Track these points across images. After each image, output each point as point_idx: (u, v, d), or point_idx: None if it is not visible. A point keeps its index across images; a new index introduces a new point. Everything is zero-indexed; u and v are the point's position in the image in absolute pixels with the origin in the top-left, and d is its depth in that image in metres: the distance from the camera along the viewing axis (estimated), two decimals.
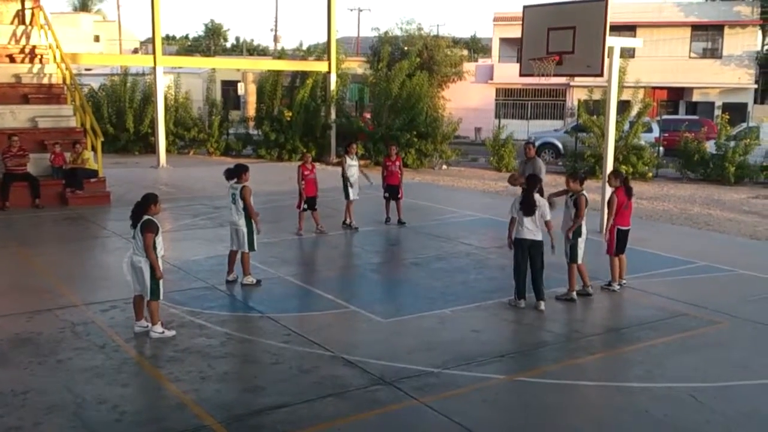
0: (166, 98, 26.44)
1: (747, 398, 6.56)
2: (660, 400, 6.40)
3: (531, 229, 8.72)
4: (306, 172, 12.86)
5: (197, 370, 6.97)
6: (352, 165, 13.71)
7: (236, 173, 9.63)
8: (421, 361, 7.15)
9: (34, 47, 19.06)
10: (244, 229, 9.54)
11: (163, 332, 7.67)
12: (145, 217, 7.56)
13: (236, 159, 25.80)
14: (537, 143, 26.85)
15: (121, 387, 6.48)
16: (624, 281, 9.88)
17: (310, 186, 12.89)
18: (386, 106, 25.64)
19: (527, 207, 8.66)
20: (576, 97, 34.81)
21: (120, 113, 27.77)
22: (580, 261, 9.24)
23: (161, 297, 7.72)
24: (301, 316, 8.70)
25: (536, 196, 8.79)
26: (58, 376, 6.69)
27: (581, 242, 9.22)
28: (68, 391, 6.35)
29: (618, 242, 9.65)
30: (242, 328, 8.22)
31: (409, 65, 26.52)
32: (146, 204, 7.61)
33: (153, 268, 7.53)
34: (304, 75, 27.58)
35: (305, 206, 12.97)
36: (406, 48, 30.64)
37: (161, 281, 7.63)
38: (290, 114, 26.26)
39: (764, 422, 6.11)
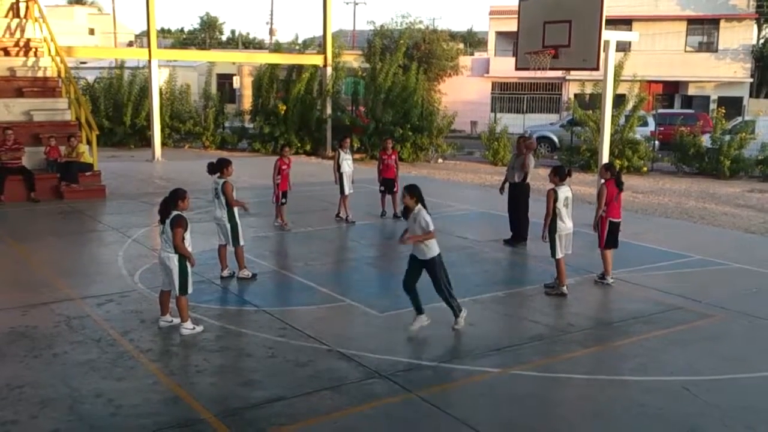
0: (161, 91, 26.40)
1: (741, 391, 6.60)
2: (654, 393, 6.42)
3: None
4: (284, 167, 12.88)
5: (193, 363, 6.98)
6: (347, 159, 13.72)
7: (219, 168, 9.60)
8: (416, 354, 7.17)
9: (28, 40, 18.98)
10: (228, 225, 9.53)
11: (193, 328, 7.66)
12: (174, 212, 7.53)
13: (231, 153, 25.82)
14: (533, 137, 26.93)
15: (116, 381, 6.48)
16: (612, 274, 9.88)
17: (286, 180, 12.89)
18: (380, 99, 25.63)
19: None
20: (572, 90, 34.85)
21: (116, 107, 27.70)
22: (558, 256, 9.22)
23: (189, 292, 7.71)
24: (297, 310, 8.71)
25: (417, 208, 7.65)
26: (53, 370, 6.69)
27: (557, 237, 9.19)
28: (64, 385, 6.35)
29: (610, 235, 9.64)
30: (238, 321, 8.22)
31: (397, 58, 26.52)
32: (174, 200, 7.57)
33: (182, 264, 7.53)
34: (300, 68, 27.55)
35: (284, 200, 12.99)
36: (401, 41, 30.63)
37: (190, 278, 7.64)
38: (284, 107, 26.23)
39: (759, 415, 6.13)
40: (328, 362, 6.98)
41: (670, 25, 38.35)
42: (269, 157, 25.35)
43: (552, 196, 9.13)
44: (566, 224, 9.22)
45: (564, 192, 9.22)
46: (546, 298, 9.21)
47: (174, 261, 7.53)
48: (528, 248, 11.85)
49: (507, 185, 12.16)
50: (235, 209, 9.55)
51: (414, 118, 24.86)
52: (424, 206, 7.66)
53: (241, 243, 9.66)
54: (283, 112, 26.22)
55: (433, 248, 7.69)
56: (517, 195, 12.02)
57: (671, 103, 38.71)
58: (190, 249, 7.63)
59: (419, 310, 7.80)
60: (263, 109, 27.20)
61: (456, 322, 7.87)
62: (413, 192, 7.61)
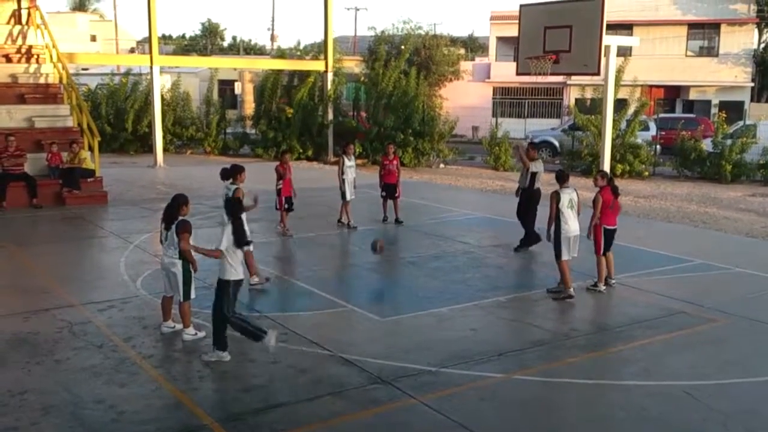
0: (164, 98, 26.44)
1: (744, 396, 6.59)
2: (656, 397, 6.41)
3: (241, 265, 7.29)
4: (282, 171, 12.82)
5: (195, 369, 6.98)
6: (350, 166, 13.69)
7: (232, 174, 9.60)
8: (418, 359, 7.16)
9: (30, 47, 19.03)
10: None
11: (195, 334, 7.65)
12: (179, 218, 7.52)
13: (233, 158, 25.81)
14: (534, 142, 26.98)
15: (119, 387, 6.49)
16: (613, 280, 9.87)
17: (288, 186, 12.84)
18: (381, 104, 25.66)
19: (243, 238, 7.18)
20: (573, 95, 34.83)
21: (118, 113, 27.77)
22: (564, 258, 9.23)
23: (192, 297, 7.72)
24: (299, 315, 8.70)
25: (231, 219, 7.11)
26: (55, 376, 6.69)
27: (562, 239, 9.22)
28: (66, 391, 6.35)
29: (604, 241, 9.63)
30: None
31: (399, 64, 26.57)
32: (178, 205, 7.55)
33: (186, 270, 7.53)
34: (302, 74, 27.60)
35: (286, 206, 12.92)
36: (402, 47, 30.67)
37: (193, 284, 7.65)
38: (291, 111, 26.25)
39: (761, 420, 6.13)
40: (329, 368, 6.98)
41: (670, 30, 38.34)
42: (272, 162, 25.38)
43: (554, 198, 9.21)
44: (571, 227, 9.25)
45: (567, 194, 9.27)
46: (548, 302, 9.21)
47: (178, 266, 7.53)
48: (530, 253, 11.85)
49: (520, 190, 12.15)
50: (244, 216, 9.50)
51: (415, 124, 24.88)
52: (236, 222, 7.11)
53: (250, 249, 9.60)
54: (291, 114, 26.25)
55: (231, 270, 7.04)
56: (525, 200, 12.00)
57: (672, 108, 38.67)
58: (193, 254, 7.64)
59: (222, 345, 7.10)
60: (266, 114, 27.23)
61: (208, 355, 7.13)
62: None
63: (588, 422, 6.11)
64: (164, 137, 25.40)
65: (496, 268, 11.08)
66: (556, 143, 28.05)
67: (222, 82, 40.25)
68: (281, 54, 31.48)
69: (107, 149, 25.07)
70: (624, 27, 34.97)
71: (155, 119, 23.64)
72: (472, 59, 48.14)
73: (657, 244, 12.71)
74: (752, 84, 39.28)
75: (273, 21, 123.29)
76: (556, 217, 9.23)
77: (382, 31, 42.81)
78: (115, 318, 8.32)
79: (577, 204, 9.38)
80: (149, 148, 24.90)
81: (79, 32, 55.10)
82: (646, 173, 23.24)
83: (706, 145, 23.24)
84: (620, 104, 22.74)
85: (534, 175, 11.88)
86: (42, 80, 18.58)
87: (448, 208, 16.11)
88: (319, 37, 33.32)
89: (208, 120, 28.48)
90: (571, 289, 9.25)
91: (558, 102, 40.21)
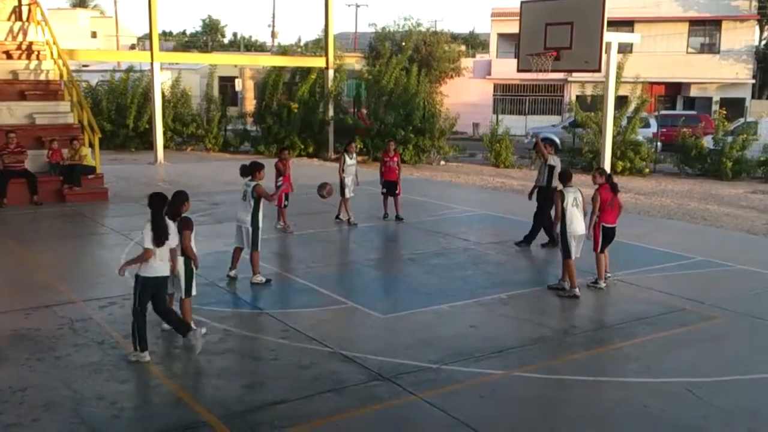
0: (164, 94, 26.42)
1: (744, 393, 6.59)
2: (657, 394, 6.41)
3: (165, 262, 7.10)
4: (282, 168, 12.83)
5: (196, 366, 6.98)
6: (351, 164, 13.69)
7: (251, 171, 9.60)
8: (419, 356, 7.16)
9: (31, 43, 19.02)
10: (250, 228, 9.48)
11: (195, 330, 7.65)
12: (181, 215, 7.50)
13: (234, 155, 25.85)
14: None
15: (119, 383, 6.49)
16: (609, 274, 9.87)
17: (287, 182, 12.84)
18: (382, 101, 25.65)
19: (161, 234, 6.99)
20: (574, 92, 34.81)
21: (119, 109, 27.77)
22: (571, 257, 9.24)
23: (193, 294, 7.69)
24: (300, 312, 8.70)
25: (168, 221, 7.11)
26: (56, 373, 6.69)
27: (569, 237, 9.22)
28: (67, 388, 6.35)
29: (604, 239, 9.63)
30: (241, 324, 8.22)
31: (401, 60, 26.55)
32: (180, 202, 7.52)
33: (187, 267, 7.52)
34: (303, 71, 27.58)
35: (286, 203, 12.94)
36: (403, 44, 30.69)
37: (194, 280, 7.63)
38: (296, 106, 26.23)
39: (762, 417, 6.12)
40: (330, 364, 6.98)
41: (672, 27, 38.31)
42: (272, 159, 25.36)
43: (559, 197, 9.25)
44: (576, 226, 9.26)
45: (572, 193, 9.29)
46: (549, 299, 9.21)
47: (180, 263, 7.53)
48: (531, 251, 11.85)
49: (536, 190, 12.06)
50: (260, 215, 9.51)
51: (416, 120, 24.87)
52: (155, 218, 7.04)
53: (258, 249, 9.60)
54: (296, 110, 26.24)
55: (145, 267, 6.99)
56: (540, 199, 11.92)
57: (673, 105, 38.68)
58: (195, 249, 7.63)
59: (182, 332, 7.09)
60: (267, 110, 27.22)
61: (133, 355, 6.97)
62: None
63: (588, 419, 6.11)
64: (165, 134, 25.40)
65: (496, 265, 11.08)
66: (557, 140, 28.03)
67: (222, 79, 40.27)
68: (284, 51, 31.46)
69: (108, 146, 25.08)
70: (625, 24, 34.94)
71: (156, 116, 23.63)
72: (473, 56, 48.19)
73: (657, 241, 12.70)
74: (753, 81, 39.28)
75: (274, 17, 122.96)
76: (561, 216, 9.25)
77: (383, 28, 42.82)
78: (116, 315, 8.32)
79: (581, 203, 9.39)
80: (150, 145, 24.89)
81: (79, 29, 55.19)
82: (647, 170, 23.23)
83: (707, 142, 23.22)
84: (621, 101, 22.73)
85: (551, 169, 11.72)
86: (42, 77, 18.57)
87: (448, 205, 16.10)
88: (319, 34, 33.29)
89: (209, 117, 28.48)
90: (577, 289, 9.25)
91: (559, 99, 40.19)
